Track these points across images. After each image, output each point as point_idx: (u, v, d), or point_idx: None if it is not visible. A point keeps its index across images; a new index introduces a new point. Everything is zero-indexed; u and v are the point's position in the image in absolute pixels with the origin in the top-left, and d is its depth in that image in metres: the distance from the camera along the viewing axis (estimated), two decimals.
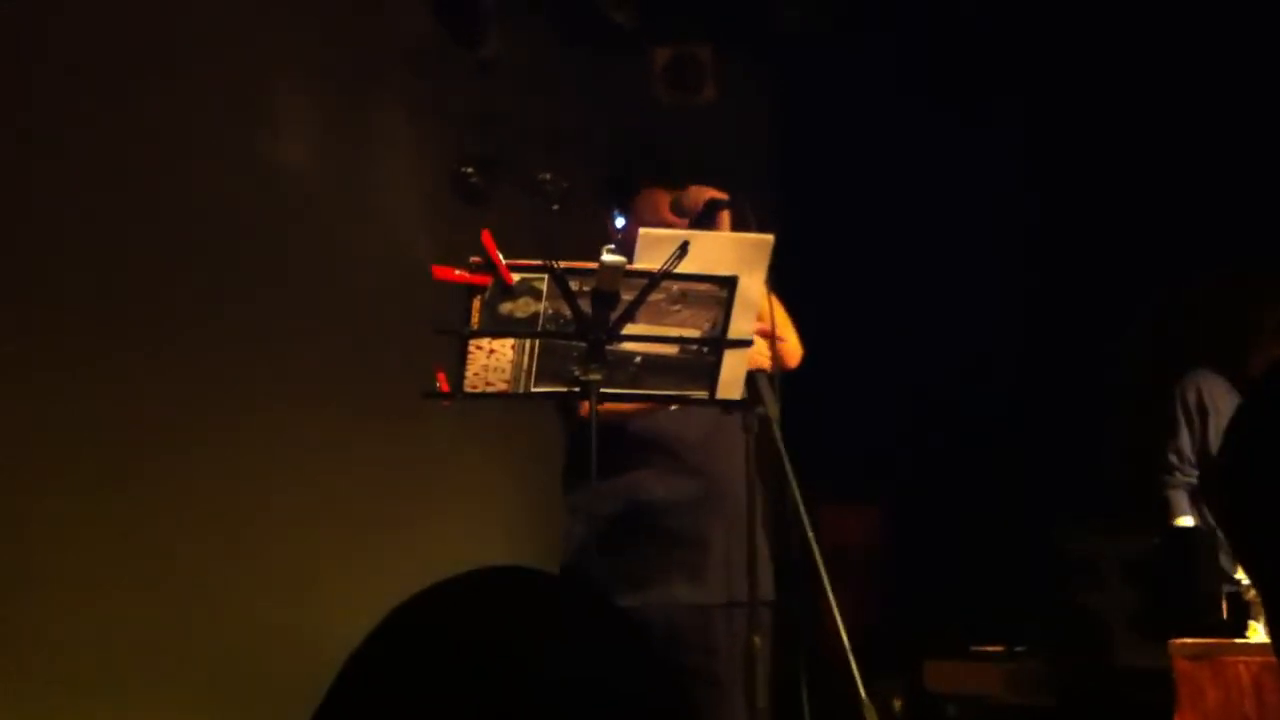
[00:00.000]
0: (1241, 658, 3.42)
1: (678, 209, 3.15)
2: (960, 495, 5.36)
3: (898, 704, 4.48)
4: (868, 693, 2.83)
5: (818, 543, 2.89)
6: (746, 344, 2.85)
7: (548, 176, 5.04)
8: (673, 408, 3.10)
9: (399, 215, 4.96)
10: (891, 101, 5.56)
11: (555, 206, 4.97)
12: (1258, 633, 3.48)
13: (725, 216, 3.08)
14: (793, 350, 3.21)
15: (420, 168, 5.08)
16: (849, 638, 2.83)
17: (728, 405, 2.97)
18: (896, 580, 5.49)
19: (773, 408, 2.98)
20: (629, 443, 3.15)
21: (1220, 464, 1.24)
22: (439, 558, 4.35)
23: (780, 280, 2.97)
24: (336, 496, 4.63)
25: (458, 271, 2.61)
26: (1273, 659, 1.36)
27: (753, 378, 2.98)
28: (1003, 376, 5.39)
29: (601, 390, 2.78)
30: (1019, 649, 4.66)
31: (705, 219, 3.06)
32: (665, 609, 3.14)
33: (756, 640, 3.21)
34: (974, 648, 4.72)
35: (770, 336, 3.09)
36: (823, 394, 4.71)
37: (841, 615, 2.86)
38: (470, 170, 4.97)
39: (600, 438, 3.09)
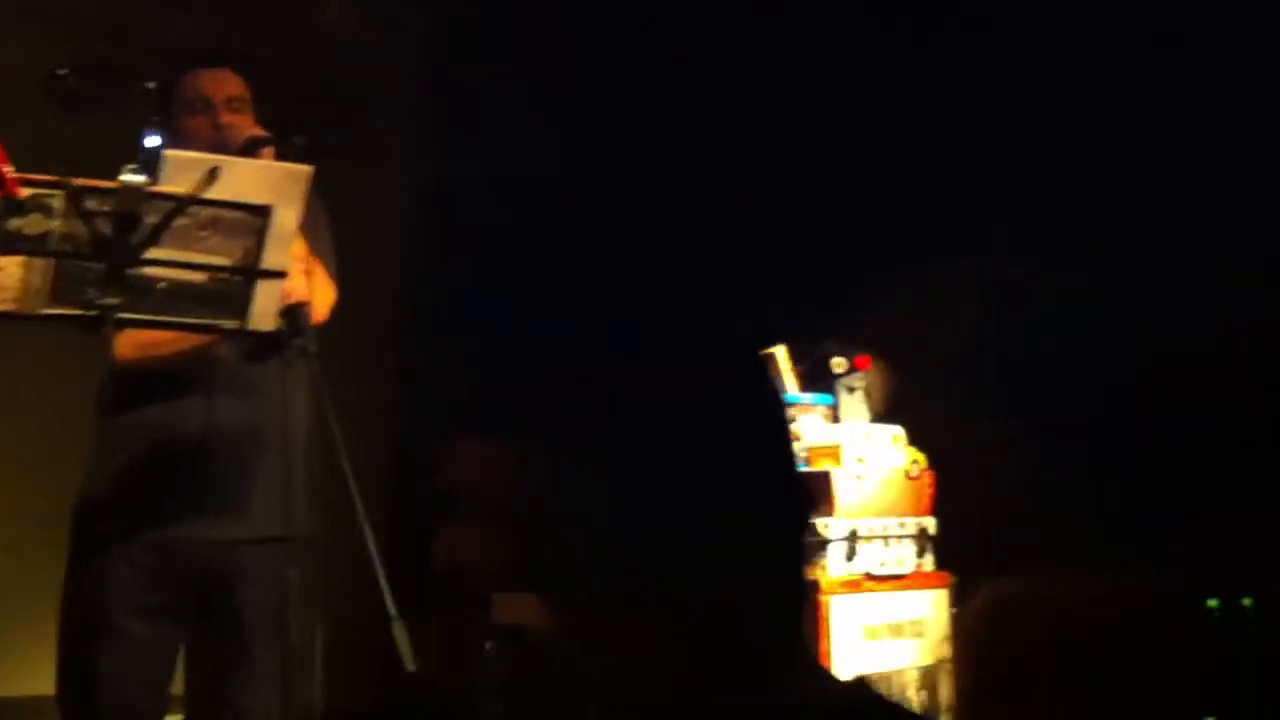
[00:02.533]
0: None
1: (219, 143, 3.04)
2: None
3: (488, 645, 4.51)
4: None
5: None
6: (280, 275, 2.80)
7: (151, 86, 4.80)
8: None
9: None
10: None
11: (155, 118, 4.74)
12: None
13: (268, 155, 2.99)
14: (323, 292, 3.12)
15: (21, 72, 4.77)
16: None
17: (261, 339, 2.91)
18: (526, 518, 5.45)
19: (313, 342, 2.93)
20: (164, 371, 3.04)
21: None
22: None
23: None
24: None
25: None
26: None
27: (295, 310, 2.93)
28: None
29: (124, 316, 2.69)
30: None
31: (245, 155, 2.96)
32: (192, 544, 3.07)
33: (290, 574, 3.20)
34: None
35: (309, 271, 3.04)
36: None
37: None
38: (67, 73, 4.71)
39: (137, 365, 3.01)
